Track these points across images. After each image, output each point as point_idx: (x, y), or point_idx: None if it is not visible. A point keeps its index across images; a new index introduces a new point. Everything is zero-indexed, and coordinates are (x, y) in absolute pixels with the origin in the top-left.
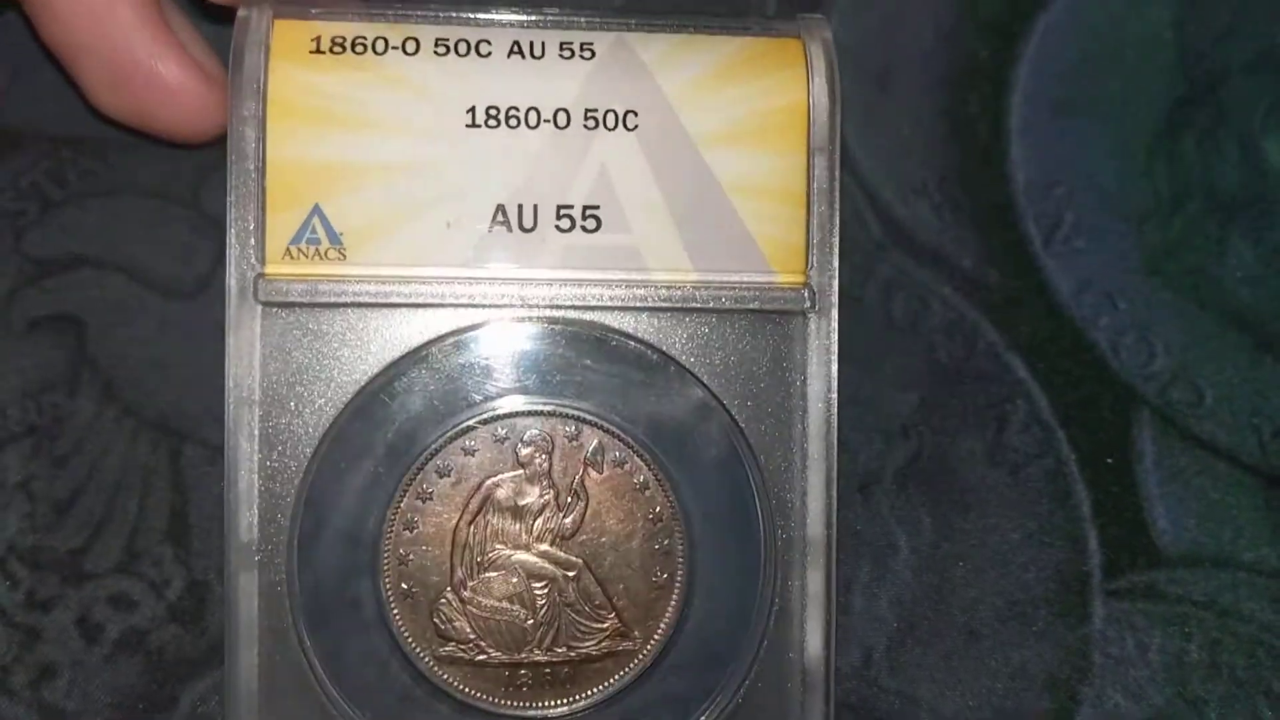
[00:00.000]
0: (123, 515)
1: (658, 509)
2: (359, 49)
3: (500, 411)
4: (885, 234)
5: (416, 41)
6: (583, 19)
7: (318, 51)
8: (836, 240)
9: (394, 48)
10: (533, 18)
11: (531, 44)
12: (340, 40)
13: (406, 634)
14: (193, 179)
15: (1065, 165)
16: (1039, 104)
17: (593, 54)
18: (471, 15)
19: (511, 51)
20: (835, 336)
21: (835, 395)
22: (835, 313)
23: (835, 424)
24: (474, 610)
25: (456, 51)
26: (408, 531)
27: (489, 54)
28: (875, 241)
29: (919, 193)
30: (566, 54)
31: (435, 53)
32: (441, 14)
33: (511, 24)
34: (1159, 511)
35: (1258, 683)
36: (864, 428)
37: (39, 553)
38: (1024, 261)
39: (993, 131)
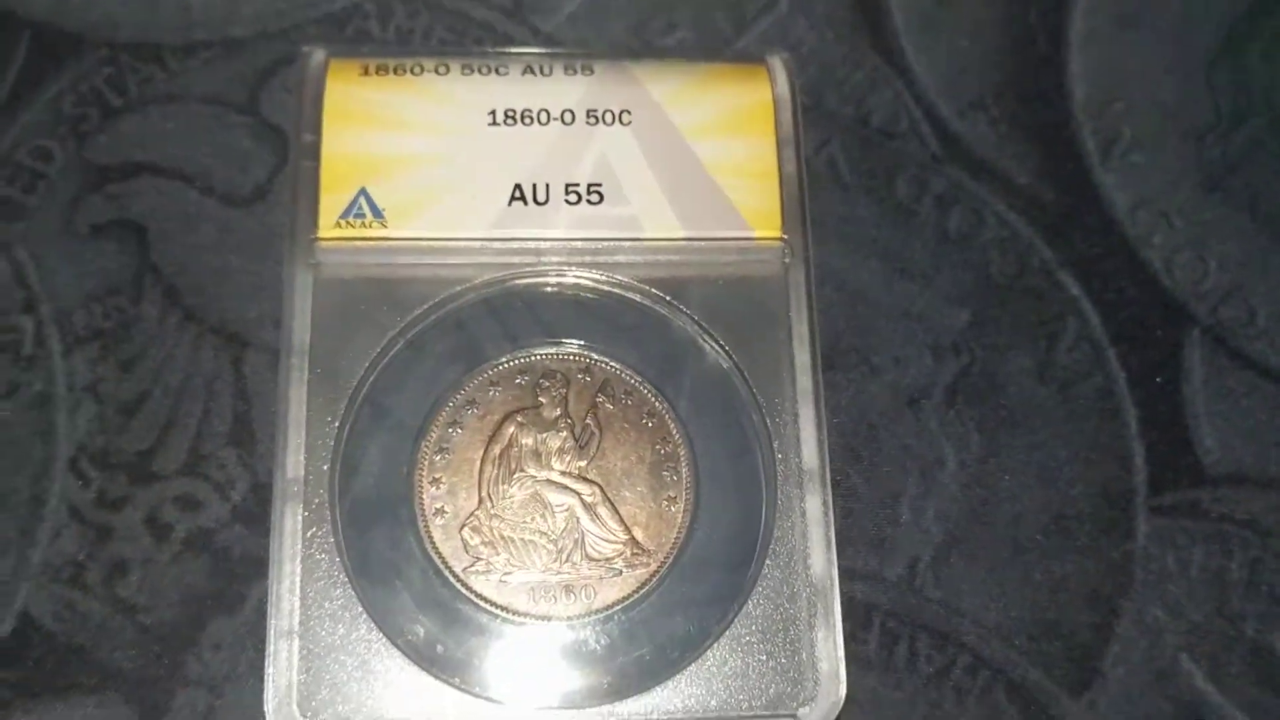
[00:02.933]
0: (188, 419)
1: (664, 437)
2: (399, 72)
3: (520, 354)
4: (942, 148)
5: (447, 66)
6: (583, 51)
7: (366, 74)
8: (807, 209)
9: (428, 71)
10: (543, 50)
11: (541, 66)
12: (384, 66)
13: (439, 551)
14: (252, 84)
15: (1125, 79)
16: (1101, 15)
17: (592, 71)
18: (492, 49)
19: (525, 71)
20: (812, 285)
21: (817, 337)
22: (811, 265)
23: (819, 361)
24: (500, 530)
25: (479, 72)
26: (440, 458)
27: (506, 73)
28: (931, 155)
29: (976, 106)
30: (571, 72)
31: (462, 73)
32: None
33: (524, 54)
34: (1205, 431)
35: None
36: (915, 343)
37: (108, 454)
38: (1080, 177)
39: (1052, 44)
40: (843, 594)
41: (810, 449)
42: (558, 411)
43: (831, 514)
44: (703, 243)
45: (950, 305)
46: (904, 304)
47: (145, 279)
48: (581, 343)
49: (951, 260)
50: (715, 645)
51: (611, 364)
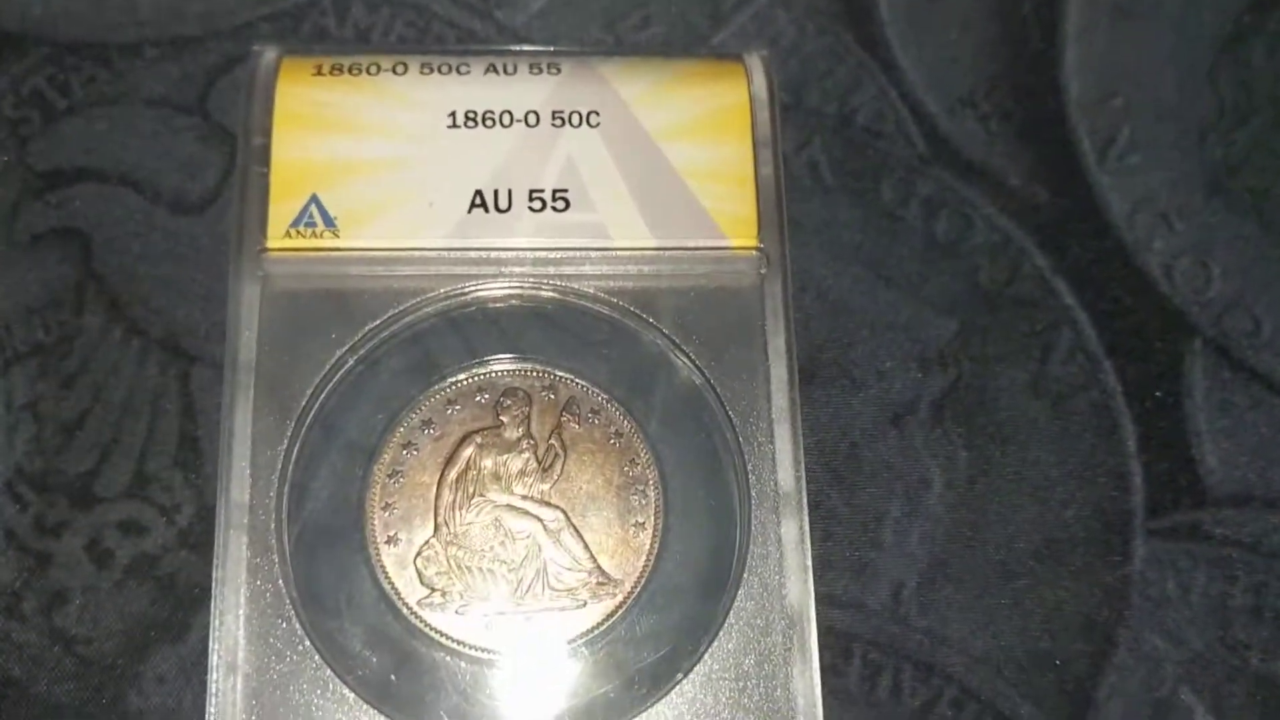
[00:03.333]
0: (131, 438)
1: (632, 459)
2: (354, 71)
3: (480, 370)
4: (929, 148)
5: (405, 65)
6: (549, 49)
7: (319, 74)
8: (785, 216)
9: (385, 70)
10: (506, 48)
11: (505, 65)
12: (339, 66)
13: (391, 582)
14: (201, 85)
15: (1123, 74)
16: (1097, 7)
17: (559, 70)
18: (454, 47)
19: (488, 70)
20: (790, 296)
21: (795, 351)
22: (789, 275)
23: (797, 379)
24: (456, 557)
25: (439, 71)
26: (393, 481)
27: (467, 72)
28: (918, 156)
29: (966, 103)
30: (536, 71)
31: (420, 73)
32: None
33: (487, 53)
34: (1208, 448)
35: None
36: (899, 354)
37: (48, 476)
38: (1075, 179)
39: (1046, 37)
40: (822, 623)
41: (786, 470)
42: (520, 431)
43: (808, 539)
44: (674, 252)
45: (937, 315)
46: (888, 314)
47: (88, 290)
48: (545, 358)
49: (939, 267)
50: (685, 681)
51: (577, 381)
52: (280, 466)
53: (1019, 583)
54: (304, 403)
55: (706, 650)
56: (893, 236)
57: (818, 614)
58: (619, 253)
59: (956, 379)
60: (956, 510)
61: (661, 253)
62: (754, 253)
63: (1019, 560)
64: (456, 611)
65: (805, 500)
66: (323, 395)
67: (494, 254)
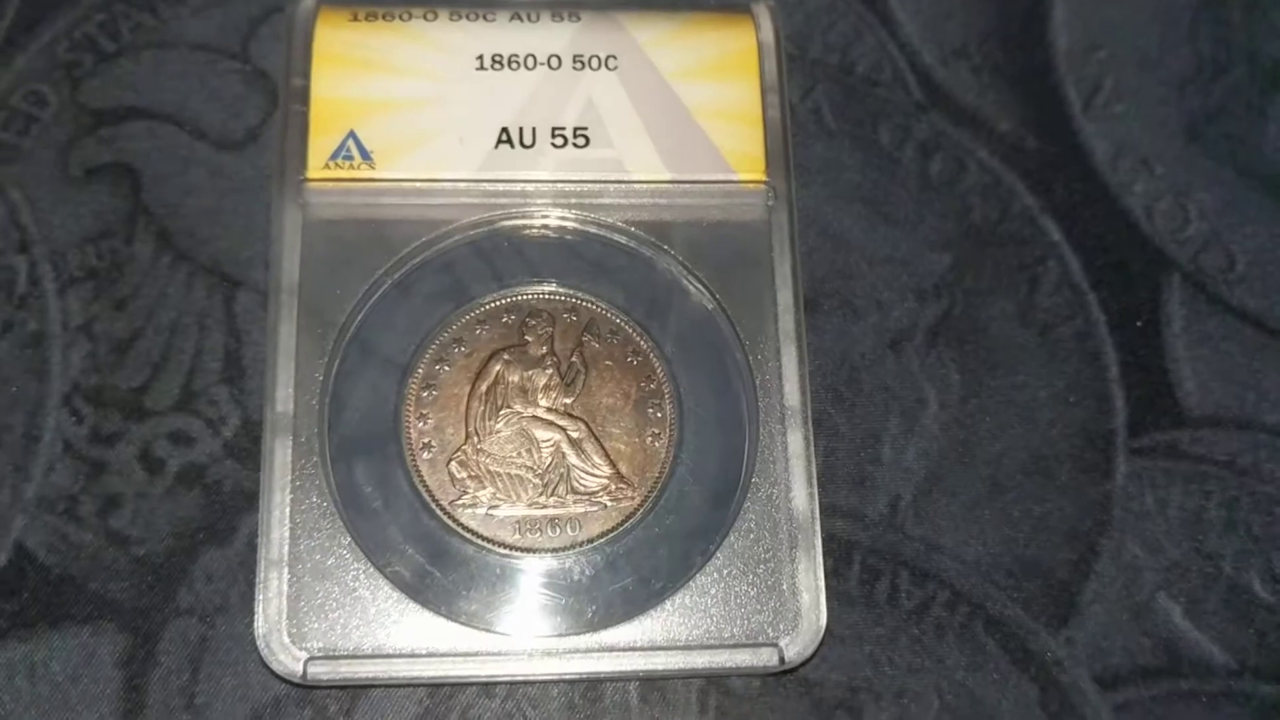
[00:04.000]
0: (180, 356)
1: (649, 375)
2: (388, 18)
3: (507, 293)
4: (925, 96)
5: (435, 13)
6: (569, 2)
7: (355, 20)
8: (790, 155)
9: (416, 17)
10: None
11: (529, 13)
12: (373, 13)
13: (426, 485)
14: (243, 31)
15: (1108, 28)
16: None
17: (579, 18)
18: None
19: (512, 17)
20: (795, 228)
21: (800, 278)
22: (794, 209)
23: (802, 304)
24: (486, 464)
25: (467, 18)
26: (427, 394)
27: (494, 19)
28: (914, 103)
29: (959, 54)
30: (558, 18)
31: (450, 19)
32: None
33: (512, 1)
34: (1185, 374)
35: (1273, 539)
36: (897, 286)
37: (102, 391)
38: (1062, 125)
39: None
40: (824, 531)
41: (792, 387)
42: (544, 349)
43: (813, 451)
44: (687, 185)
45: (932, 250)
46: (887, 248)
47: (138, 220)
48: (568, 283)
49: (934, 206)
50: (698, 576)
51: (597, 304)
52: (321, 381)
53: (1008, 496)
54: (343, 322)
55: (717, 549)
56: (891, 177)
57: (821, 523)
58: (636, 186)
59: (950, 308)
60: (950, 429)
61: (675, 186)
62: (762, 187)
63: (1008, 475)
64: (487, 513)
65: (809, 415)
66: (360, 316)
67: (519, 186)
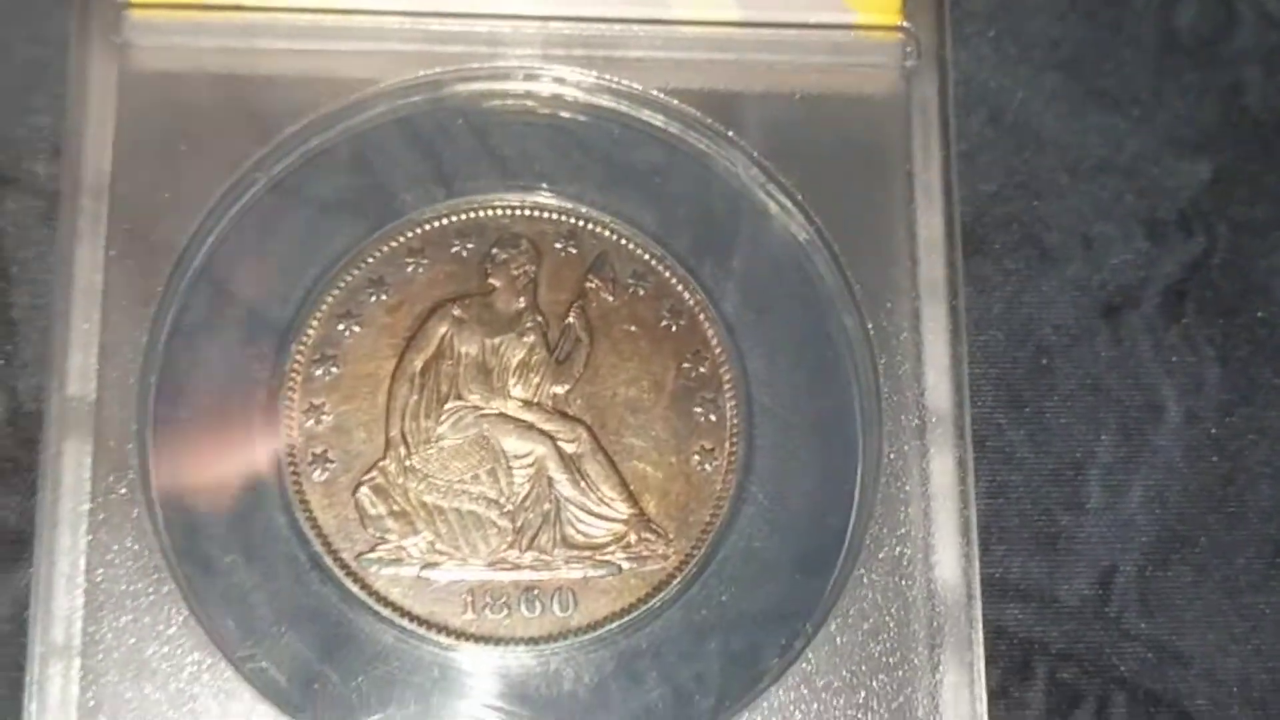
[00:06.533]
0: None
1: (697, 350)
2: None
3: (461, 204)
4: None
5: None
6: None
7: None
8: None
9: None
10: None
11: None
12: None
13: (317, 525)
14: None
15: None
16: None
17: None
18: None
19: None
20: (950, 110)
21: (957, 198)
22: (949, 77)
23: (959, 237)
24: (419, 493)
25: None
26: (321, 372)
27: None
28: None
29: None
30: None
31: None
32: None
33: None
34: None
35: None
36: (1118, 214)
37: None
38: None
39: None
40: (989, 621)
41: (940, 379)
42: (521, 302)
43: (972, 486)
44: (770, 31)
45: (1179, 153)
46: (1102, 149)
47: None
48: (563, 191)
49: (1182, 80)
50: (774, 691)
51: (612, 227)
52: (145, 347)
53: None
54: (183, 249)
55: (807, 648)
56: (1111, 30)
57: (984, 607)
58: (684, 29)
59: (1207, 253)
60: (1202, 456)
61: (750, 32)
62: (896, 35)
63: None
64: (421, 573)
65: (969, 427)
66: (212, 237)
67: (485, 26)
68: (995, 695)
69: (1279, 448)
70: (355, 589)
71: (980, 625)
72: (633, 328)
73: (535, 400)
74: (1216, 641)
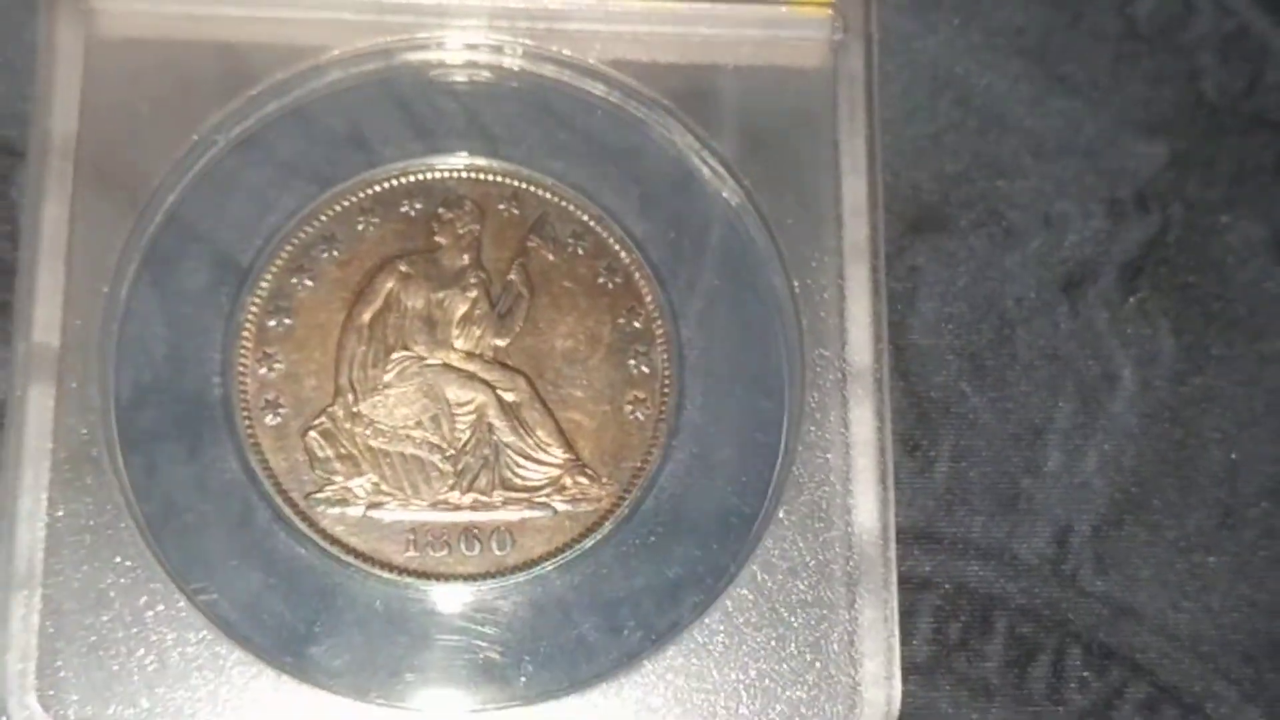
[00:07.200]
0: None
1: (632, 305)
2: None
3: (410, 165)
4: None
5: None
6: None
7: None
8: None
9: None
10: None
11: None
12: None
13: (269, 467)
14: None
15: None
16: None
17: None
18: None
19: None
20: (875, 76)
21: (879, 161)
22: (874, 45)
23: (880, 201)
24: (366, 438)
25: None
26: (275, 323)
27: None
28: None
29: None
30: None
31: None
32: None
33: None
34: None
35: None
36: (1077, 192)
37: None
38: None
39: None
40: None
41: (862, 336)
42: (466, 259)
43: (889, 437)
44: (708, 6)
45: (1137, 136)
46: (1063, 131)
47: None
48: (507, 154)
49: (1141, 66)
50: (697, 626)
51: (553, 188)
52: (107, 295)
53: (1246, 533)
54: (145, 205)
55: (727, 589)
56: (1073, 18)
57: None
58: (625, 4)
59: (1162, 231)
60: (1156, 422)
61: (688, 6)
62: (825, 11)
63: (1246, 499)
64: (366, 514)
65: (887, 380)
66: (172, 196)
67: None
68: (956, 648)
69: (1229, 415)
70: (304, 527)
71: (894, 569)
72: (571, 285)
73: (477, 352)
74: (1168, 598)
